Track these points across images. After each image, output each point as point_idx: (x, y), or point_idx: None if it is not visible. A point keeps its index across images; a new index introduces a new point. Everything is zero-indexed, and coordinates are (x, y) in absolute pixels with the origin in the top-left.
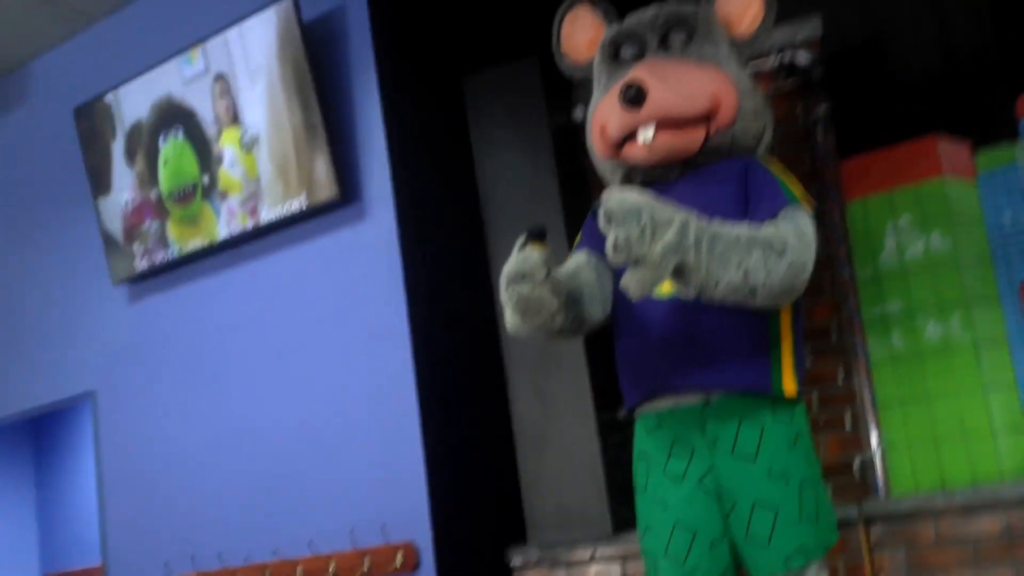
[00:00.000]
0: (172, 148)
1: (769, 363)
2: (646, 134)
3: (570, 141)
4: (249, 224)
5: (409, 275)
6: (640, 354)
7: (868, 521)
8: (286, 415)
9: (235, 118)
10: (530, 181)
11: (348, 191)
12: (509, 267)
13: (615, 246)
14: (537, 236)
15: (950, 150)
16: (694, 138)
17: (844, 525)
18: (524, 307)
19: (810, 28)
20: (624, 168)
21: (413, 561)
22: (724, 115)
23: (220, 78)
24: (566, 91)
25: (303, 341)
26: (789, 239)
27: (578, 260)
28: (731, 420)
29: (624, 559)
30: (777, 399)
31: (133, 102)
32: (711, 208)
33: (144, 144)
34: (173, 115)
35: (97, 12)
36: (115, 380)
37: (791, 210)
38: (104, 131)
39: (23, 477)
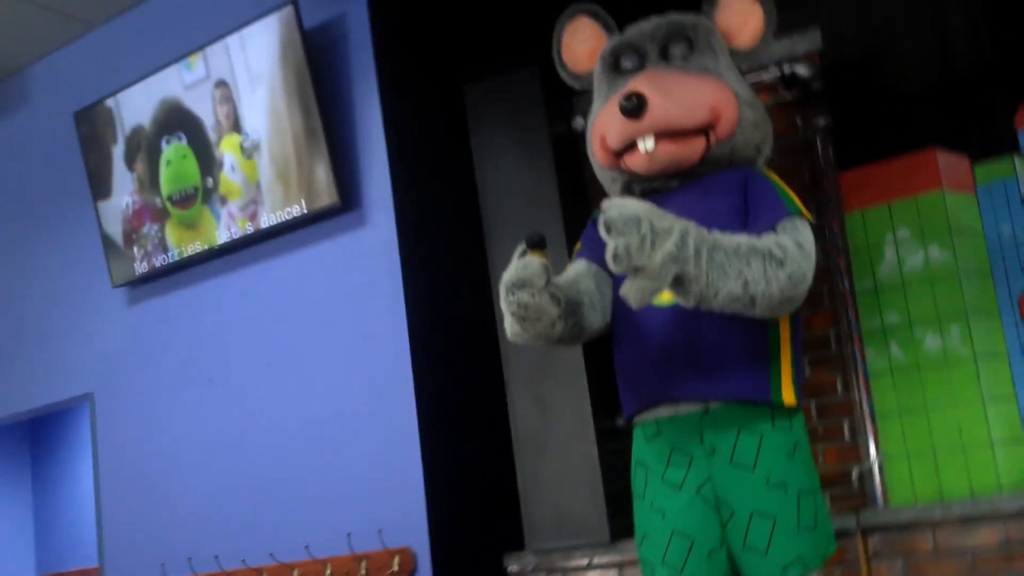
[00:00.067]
0: (175, 151)
1: (768, 373)
2: (646, 144)
3: (570, 150)
4: (249, 229)
5: (408, 282)
6: (639, 362)
7: (866, 531)
8: (284, 419)
9: (236, 124)
10: (530, 189)
11: (348, 197)
12: (509, 275)
13: (615, 255)
14: (537, 244)
15: (949, 163)
16: (694, 149)
17: (842, 535)
18: (524, 315)
19: (810, 41)
20: (624, 177)
21: (410, 566)
22: (724, 126)
23: (221, 84)
24: (566, 100)
25: (302, 346)
26: (789, 249)
27: (578, 268)
28: (730, 429)
29: (621, 567)
30: (776, 409)
31: (134, 107)
32: (711, 218)
33: (145, 148)
34: (175, 119)
35: (97, 18)
36: (113, 382)
37: (791, 221)
38: (105, 135)
39: (20, 478)
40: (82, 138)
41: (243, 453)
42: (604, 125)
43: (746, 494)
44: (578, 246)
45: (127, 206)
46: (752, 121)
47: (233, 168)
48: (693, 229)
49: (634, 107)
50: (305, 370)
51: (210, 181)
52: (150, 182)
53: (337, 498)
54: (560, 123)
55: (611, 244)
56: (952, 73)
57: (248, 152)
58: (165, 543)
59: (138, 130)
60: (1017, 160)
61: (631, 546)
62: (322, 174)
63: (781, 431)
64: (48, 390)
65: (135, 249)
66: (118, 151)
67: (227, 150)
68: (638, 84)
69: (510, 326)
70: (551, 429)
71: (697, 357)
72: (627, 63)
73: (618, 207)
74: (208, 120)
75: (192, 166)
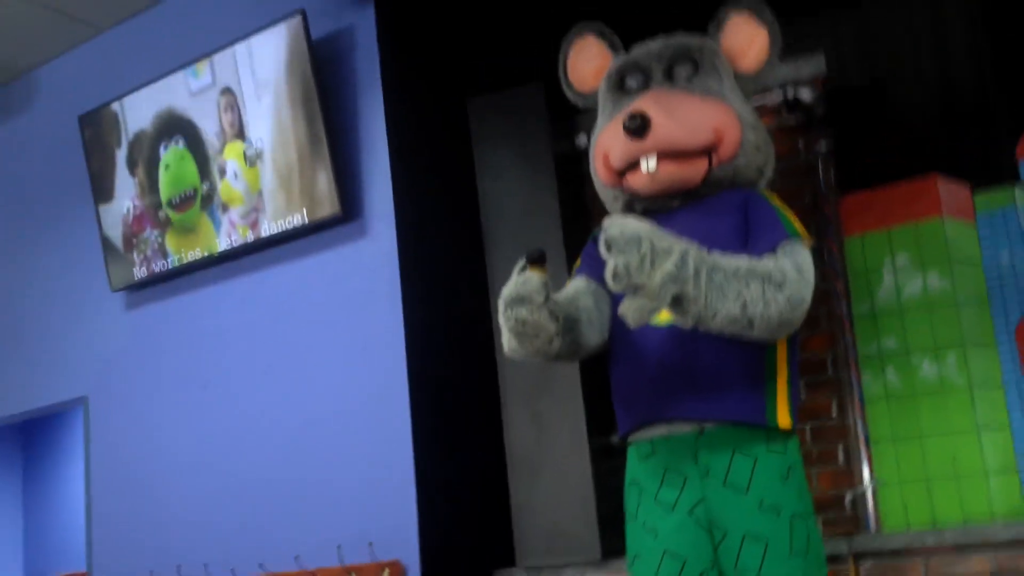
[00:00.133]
0: (173, 154)
1: (764, 395)
2: (649, 163)
3: (572, 167)
4: (250, 237)
5: (407, 294)
6: (635, 381)
7: (858, 557)
8: (278, 428)
9: (240, 132)
10: (531, 204)
11: (350, 208)
12: (508, 290)
13: (615, 274)
14: (536, 260)
15: (950, 191)
16: (696, 169)
17: (834, 560)
18: (522, 330)
19: (814, 65)
20: (626, 196)
21: None
22: (727, 148)
23: (226, 91)
24: (570, 117)
25: (298, 355)
26: (788, 272)
27: (577, 285)
28: (724, 451)
29: None
30: (771, 431)
31: (138, 112)
32: (711, 239)
33: (145, 153)
34: (174, 126)
35: (105, 22)
36: (109, 386)
37: (791, 244)
38: (109, 139)
39: (11, 480)
40: (86, 141)
41: (236, 462)
42: (607, 143)
43: (739, 516)
44: (578, 263)
45: (128, 210)
46: (755, 143)
47: (236, 175)
48: (693, 250)
49: (638, 127)
50: (301, 380)
51: (209, 184)
52: (151, 188)
53: (328, 509)
54: (563, 140)
55: (611, 262)
56: (954, 101)
57: (251, 160)
58: (154, 549)
59: (140, 135)
60: (1018, 190)
61: (622, 565)
62: (324, 184)
63: (775, 454)
64: (43, 392)
65: (135, 254)
66: (121, 155)
67: (230, 157)
68: (642, 104)
69: (508, 341)
70: (546, 445)
71: (693, 378)
72: (632, 83)
73: (619, 226)
74: (212, 127)
75: (190, 168)
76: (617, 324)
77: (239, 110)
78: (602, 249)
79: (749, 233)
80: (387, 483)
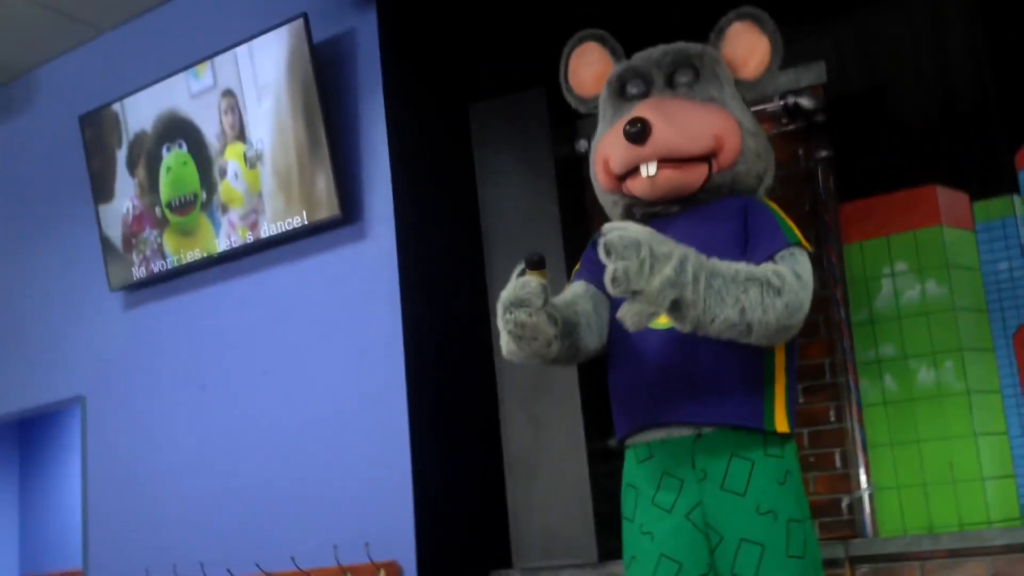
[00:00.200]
0: (175, 157)
1: (762, 400)
2: (648, 169)
3: (573, 172)
4: (249, 238)
5: (406, 297)
6: (633, 385)
7: (854, 561)
8: (275, 428)
9: (240, 134)
10: (531, 209)
11: (349, 210)
12: (507, 294)
13: (613, 278)
14: (536, 264)
15: (949, 199)
16: (696, 175)
17: (830, 564)
18: (520, 333)
19: (815, 73)
20: (625, 201)
21: None
22: (727, 155)
23: (227, 94)
24: (571, 123)
25: (297, 356)
26: (787, 279)
27: (576, 289)
28: (722, 455)
29: None
30: (768, 436)
31: (139, 113)
32: (710, 245)
33: (146, 154)
34: (176, 129)
35: (107, 23)
36: (106, 386)
37: (790, 250)
38: (110, 139)
39: (7, 478)
40: (86, 141)
41: (233, 461)
42: (607, 149)
43: (736, 520)
44: (577, 267)
45: (128, 210)
46: (755, 151)
47: (236, 176)
48: (692, 255)
49: (638, 132)
50: (299, 380)
51: (209, 190)
52: (150, 188)
53: (325, 509)
54: (564, 145)
55: (610, 267)
56: (954, 110)
57: (251, 161)
58: (150, 548)
59: (141, 136)
60: (1017, 200)
61: (619, 568)
62: (324, 186)
63: (773, 458)
64: (40, 391)
65: (134, 254)
66: (122, 155)
67: (231, 158)
68: (643, 110)
69: (506, 344)
70: (543, 448)
71: (691, 382)
72: (633, 89)
73: (618, 230)
74: (213, 129)
75: (192, 173)
76: (616, 328)
77: (240, 112)
78: (601, 254)
79: (748, 240)
80: (384, 484)
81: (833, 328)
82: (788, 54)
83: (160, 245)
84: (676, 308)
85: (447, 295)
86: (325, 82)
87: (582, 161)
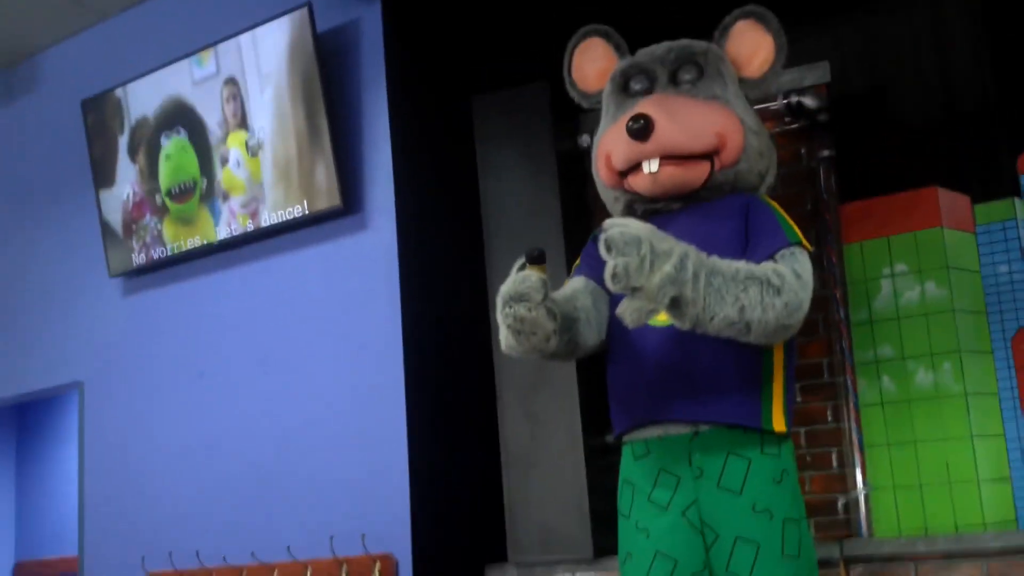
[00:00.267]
0: (175, 145)
1: (760, 399)
2: (651, 166)
3: (574, 166)
4: (249, 226)
5: (406, 288)
6: (632, 381)
7: (849, 562)
8: (274, 418)
9: (242, 122)
10: (532, 203)
11: (350, 201)
12: (506, 288)
13: (614, 274)
14: (536, 259)
15: (949, 201)
16: (698, 173)
17: (825, 564)
18: (519, 328)
19: (818, 73)
20: (627, 197)
21: (391, 573)
22: (729, 153)
23: (230, 81)
24: (573, 117)
25: (295, 346)
26: (787, 278)
27: (575, 285)
28: (718, 453)
29: None
30: (766, 435)
31: (141, 98)
32: (711, 243)
33: (147, 141)
34: (177, 116)
35: (110, 8)
36: (105, 372)
37: (790, 250)
38: (112, 124)
39: (3, 464)
40: (88, 126)
41: (231, 450)
42: (610, 145)
43: (731, 519)
44: (577, 262)
45: (128, 196)
46: (757, 149)
47: (238, 164)
48: (693, 253)
49: (641, 129)
50: (298, 370)
51: (209, 178)
52: (150, 175)
53: (322, 500)
54: (566, 139)
55: (610, 263)
56: (956, 113)
57: (253, 150)
58: (146, 536)
59: (143, 122)
60: (1018, 203)
61: (614, 564)
62: (325, 176)
63: (770, 457)
64: (38, 376)
65: (134, 240)
66: (123, 141)
67: (233, 145)
68: (646, 107)
69: (505, 339)
70: (540, 443)
71: (690, 379)
72: (636, 85)
73: (619, 227)
74: (215, 116)
75: (191, 159)
76: (615, 324)
77: (242, 100)
78: (602, 250)
79: (749, 238)
80: (381, 476)
81: (832, 328)
82: (791, 53)
83: (160, 232)
84: (675, 305)
85: (447, 288)
86: (328, 72)
87: (584, 156)
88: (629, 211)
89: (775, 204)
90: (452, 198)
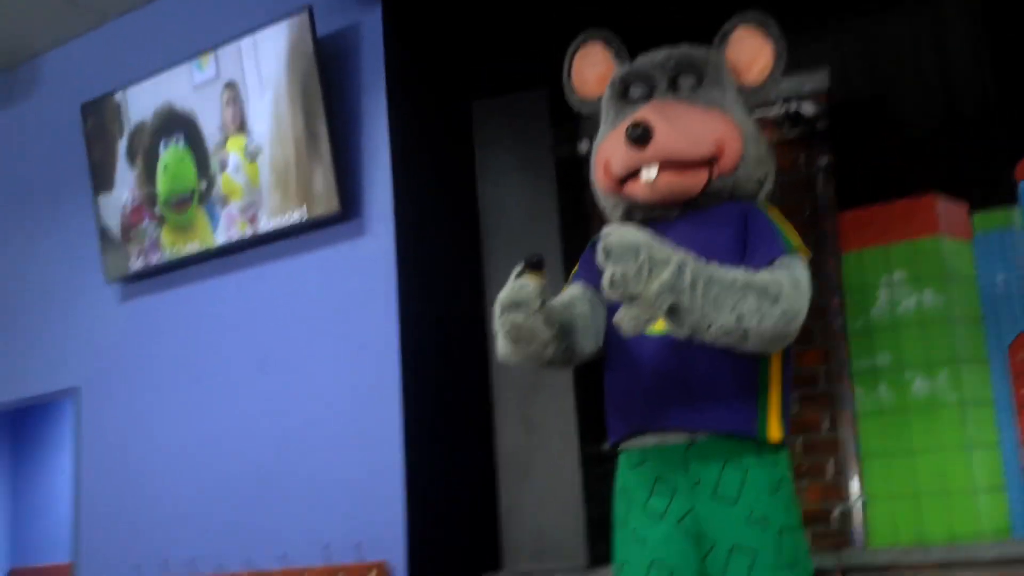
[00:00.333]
0: (172, 154)
1: (756, 408)
2: (649, 173)
3: (573, 172)
4: (248, 232)
5: (403, 294)
6: (628, 389)
7: (845, 572)
8: (269, 426)
9: (242, 126)
10: (531, 209)
11: (349, 206)
12: (504, 295)
13: (611, 282)
14: (534, 265)
15: (948, 210)
16: (696, 180)
17: (821, 574)
18: (516, 335)
19: (817, 80)
20: (625, 204)
21: None
22: (727, 160)
23: (230, 86)
24: (572, 123)
25: (292, 352)
26: (784, 286)
27: (573, 292)
28: (715, 462)
29: None
30: (762, 444)
31: (140, 103)
32: (708, 250)
33: (144, 147)
34: (175, 122)
35: (112, 11)
36: (101, 378)
37: (788, 258)
38: (111, 129)
39: None
40: (87, 130)
41: (226, 457)
42: (609, 151)
43: (727, 528)
44: (575, 269)
45: (127, 201)
46: (755, 156)
47: (237, 169)
48: (691, 261)
49: (640, 135)
50: (293, 376)
51: (208, 182)
52: (148, 181)
53: (317, 508)
54: (565, 145)
55: (608, 271)
56: (955, 121)
57: (252, 155)
58: (141, 543)
59: (141, 126)
60: (1016, 212)
61: (609, 573)
62: (324, 181)
63: (766, 466)
64: (34, 382)
65: (131, 245)
66: (122, 145)
67: (232, 150)
68: (645, 113)
69: (502, 346)
70: (536, 451)
71: (687, 388)
72: (636, 92)
73: (617, 234)
74: (214, 121)
75: (189, 168)
76: (612, 332)
77: (242, 105)
78: (600, 257)
79: (747, 246)
80: (376, 484)
81: (829, 337)
82: (789, 60)
83: (158, 237)
84: (673, 313)
85: (445, 294)
86: (328, 76)
87: (583, 162)
88: (627, 218)
89: (773, 211)
90: (451, 203)
